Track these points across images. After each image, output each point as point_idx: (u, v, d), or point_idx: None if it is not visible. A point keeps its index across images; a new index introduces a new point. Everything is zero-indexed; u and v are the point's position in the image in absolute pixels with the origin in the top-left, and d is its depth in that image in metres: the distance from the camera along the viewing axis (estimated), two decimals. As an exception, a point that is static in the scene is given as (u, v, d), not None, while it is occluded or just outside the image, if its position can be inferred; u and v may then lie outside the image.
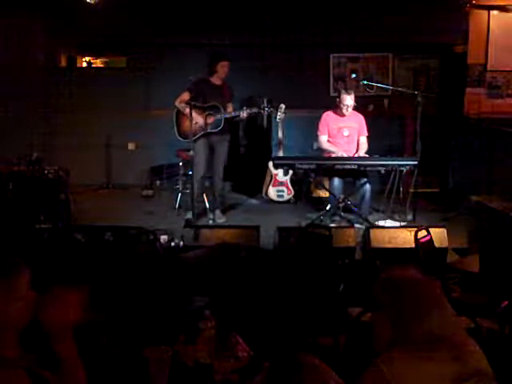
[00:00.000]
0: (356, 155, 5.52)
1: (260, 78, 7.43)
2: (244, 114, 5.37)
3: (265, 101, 5.53)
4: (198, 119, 5.36)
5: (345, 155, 5.44)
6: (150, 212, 5.92)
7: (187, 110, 5.28)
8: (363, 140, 5.67)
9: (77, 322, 1.71)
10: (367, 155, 5.53)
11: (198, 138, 5.38)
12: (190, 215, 5.37)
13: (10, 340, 1.66)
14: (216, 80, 5.42)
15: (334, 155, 5.46)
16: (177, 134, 5.48)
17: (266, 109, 5.47)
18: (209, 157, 5.49)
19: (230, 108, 5.52)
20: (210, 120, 5.37)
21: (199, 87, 5.43)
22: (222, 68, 5.38)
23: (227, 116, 5.37)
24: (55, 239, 4.08)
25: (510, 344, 2.53)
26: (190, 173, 5.49)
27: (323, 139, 5.67)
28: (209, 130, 5.38)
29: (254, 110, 5.43)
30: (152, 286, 3.23)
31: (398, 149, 7.24)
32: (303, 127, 6.96)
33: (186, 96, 5.39)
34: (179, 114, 5.45)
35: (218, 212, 5.58)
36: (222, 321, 2.30)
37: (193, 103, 5.27)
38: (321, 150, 5.80)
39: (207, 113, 5.39)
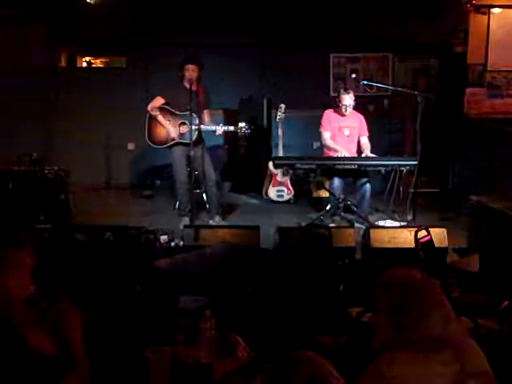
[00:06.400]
0: (363, 155, 5.51)
1: (260, 78, 7.43)
2: (220, 130, 5.21)
3: (244, 123, 5.23)
4: (170, 128, 5.21)
5: (347, 154, 5.43)
6: (149, 212, 5.91)
7: (160, 117, 5.22)
8: (365, 140, 5.65)
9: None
10: (374, 155, 5.52)
11: (172, 145, 5.25)
12: (186, 221, 5.22)
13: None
14: (188, 84, 5.05)
15: (336, 154, 5.44)
16: (147, 140, 5.33)
17: (244, 129, 5.23)
18: (193, 163, 5.20)
19: (205, 115, 5.32)
20: (184, 129, 5.17)
21: (173, 92, 5.27)
22: (188, 72, 5.12)
23: (202, 129, 5.16)
24: (55, 239, 4.08)
25: (510, 344, 2.53)
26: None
27: (326, 135, 5.64)
28: (181, 141, 5.18)
29: (231, 128, 5.25)
30: (150, 286, 3.23)
31: (398, 149, 7.25)
32: (303, 127, 6.97)
33: (158, 101, 5.27)
34: (151, 119, 5.30)
35: (217, 218, 5.43)
36: (222, 321, 2.29)
37: (166, 108, 5.18)
38: (323, 146, 5.76)
39: (180, 121, 5.20)
